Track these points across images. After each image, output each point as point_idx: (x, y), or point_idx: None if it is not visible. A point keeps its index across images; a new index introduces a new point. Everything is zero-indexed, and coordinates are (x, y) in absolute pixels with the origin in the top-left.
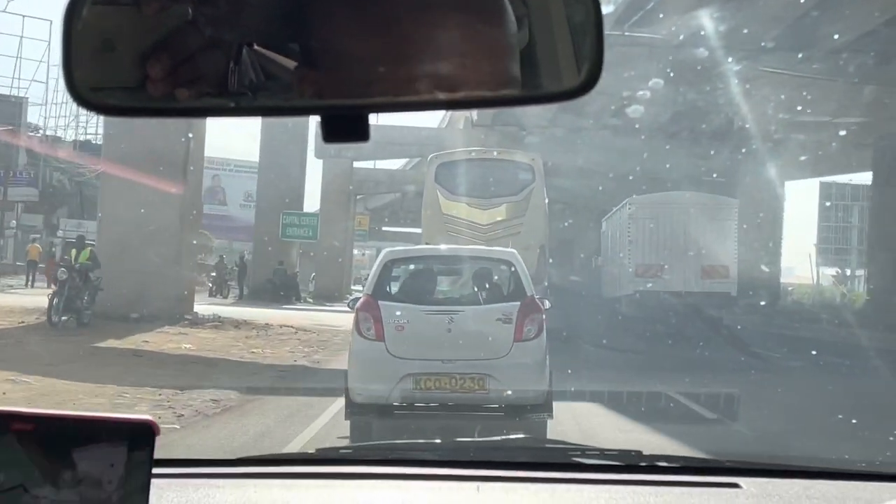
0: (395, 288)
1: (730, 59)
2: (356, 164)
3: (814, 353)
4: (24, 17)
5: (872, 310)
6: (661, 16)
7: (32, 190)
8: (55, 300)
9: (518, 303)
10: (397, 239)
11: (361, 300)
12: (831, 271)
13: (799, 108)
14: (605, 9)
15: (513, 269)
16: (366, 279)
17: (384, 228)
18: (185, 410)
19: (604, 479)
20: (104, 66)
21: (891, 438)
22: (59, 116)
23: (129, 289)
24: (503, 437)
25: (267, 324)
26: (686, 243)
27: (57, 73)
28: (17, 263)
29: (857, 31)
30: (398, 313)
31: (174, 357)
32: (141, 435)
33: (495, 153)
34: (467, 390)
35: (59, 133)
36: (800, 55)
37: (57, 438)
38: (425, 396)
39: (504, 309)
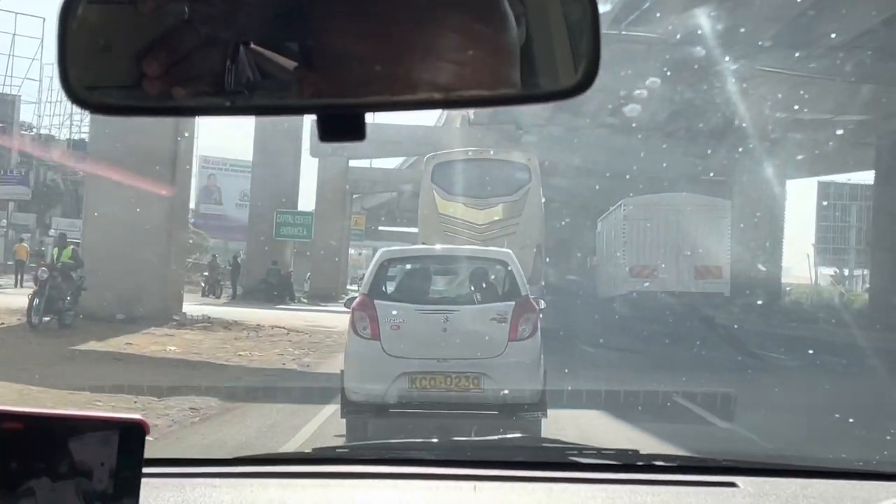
0: (391, 287)
1: (727, 58)
2: (352, 163)
3: (811, 352)
4: (16, 14)
5: (873, 310)
6: (657, 15)
7: (24, 188)
8: (35, 301)
9: (513, 302)
10: (394, 238)
11: (358, 299)
12: (829, 271)
13: (797, 107)
14: (602, 8)
15: (508, 268)
16: (361, 279)
17: (380, 228)
18: (161, 420)
19: (601, 478)
20: (100, 65)
21: (887, 437)
22: (53, 115)
23: (115, 289)
24: (500, 436)
25: (258, 325)
26: (680, 244)
27: (51, 71)
28: (8, 263)
29: (855, 29)
30: (394, 312)
31: (157, 360)
32: (131, 434)
33: (492, 153)
34: (462, 389)
35: (54, 132)
36: (797, 54)
37: (47, 437)
38: (421, 395)
39: (499, 308)
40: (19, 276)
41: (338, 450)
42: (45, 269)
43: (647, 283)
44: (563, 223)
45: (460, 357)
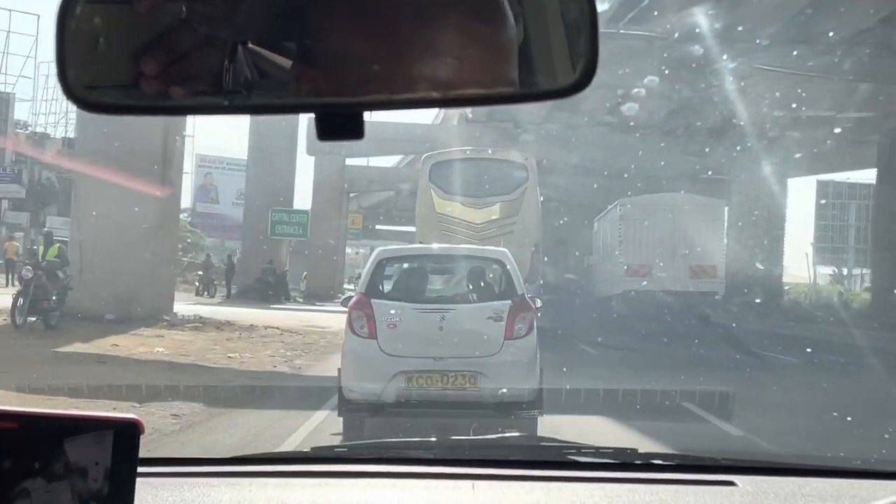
0: (387, 286)
1: (725, 57)
2: (349, 161)
3: (809, 350)
4: (10, 11)
5: (874, 309)
6: (655, 13)
7: (17, 187)
8: (19, 300)
9: (509, 301)
10: (391, 237)
11: (354, 298)
12: (828, 270)
13: (797, 105)
14: (600, 6)
15: (504, 267)
16: (358, 278)
17: (378, 227)
18: None
19: (599, 477)
20: (98, 64)
21: (885, 436)
22: (48, 113)
23: (104, 288)
24: (498, 435)
25: (251, 325)
26: (675, 244)
27: (47, 69)
28: None
29: (854, 27)
30: (391, 311)
31: (142, 363)
32: (126, 433)
33: (489, 152)
34: (459, 387)
35: (49, 130)
36: (794, 52)
37: (42, 437)
38: (418, 393)
39: (495, 307)
40: (10, 275)
41: (336, 449)
42: (30, 269)
43: (642, 283)
44: (561, 222)
45: (457, 356)
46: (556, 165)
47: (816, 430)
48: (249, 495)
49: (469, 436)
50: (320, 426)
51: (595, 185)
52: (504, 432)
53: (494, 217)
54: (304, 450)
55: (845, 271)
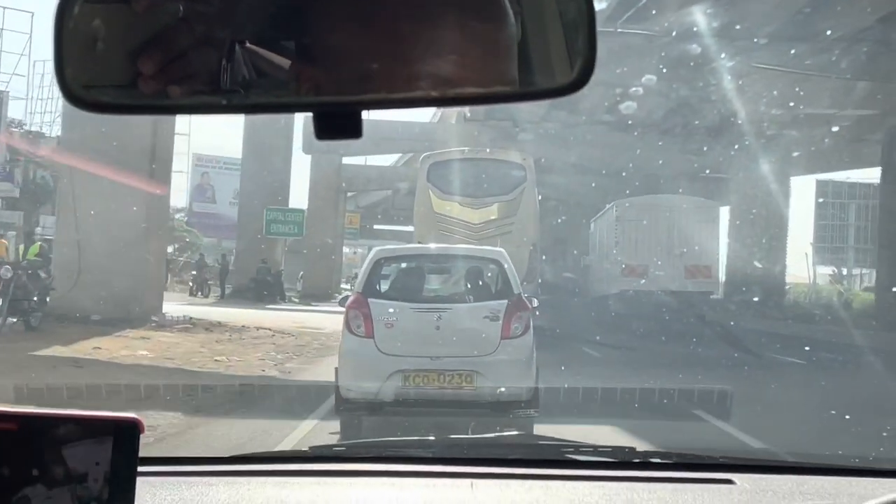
0: (384, 286)
1: (723, 55)
2: (346, 160)
3: (807, 349)
4: (4, 8)
5: (878, 309)
6: (653, 12)
7: (9, 185)
8: None
9: (505, 301)
10: (390, 237)
11: (352, 298)
12: (827, 270)
13: (796, 104)
14: (598, 5)
15: (501, 267)
16: (355, 278)
17: (376, 227)
18: None
19: (597, 475)
20: (96, 64)
21: (884, 434)
22: (44, 112)
23: (90, 288)
24: (497, 433)
25: (243, 326)
26: (670, 244)
27: (42, 67)
28: None
29: (852, 26)
30: (388, 311)
31: (123, 367)
32: (126, 433)
33: (487, 152)
34: (456, 387)
35: (45, 129)
36: (793, 51)
37: (42, 437)
38: (415, 393)
39: (491, 307)
40: None
41: (334, 448)
42: (9, 268)
43: (639, 283)
44: (559, 221)
45: (453, 355)
46: (555, 164)
47: (815, 428)
48: (248, 494)
49: (467, 435)
50: (308, 436)
51: (593, 184)
52: (502, 431)
53: (493, 217)
54: (303, 449)
55: (845, 271)
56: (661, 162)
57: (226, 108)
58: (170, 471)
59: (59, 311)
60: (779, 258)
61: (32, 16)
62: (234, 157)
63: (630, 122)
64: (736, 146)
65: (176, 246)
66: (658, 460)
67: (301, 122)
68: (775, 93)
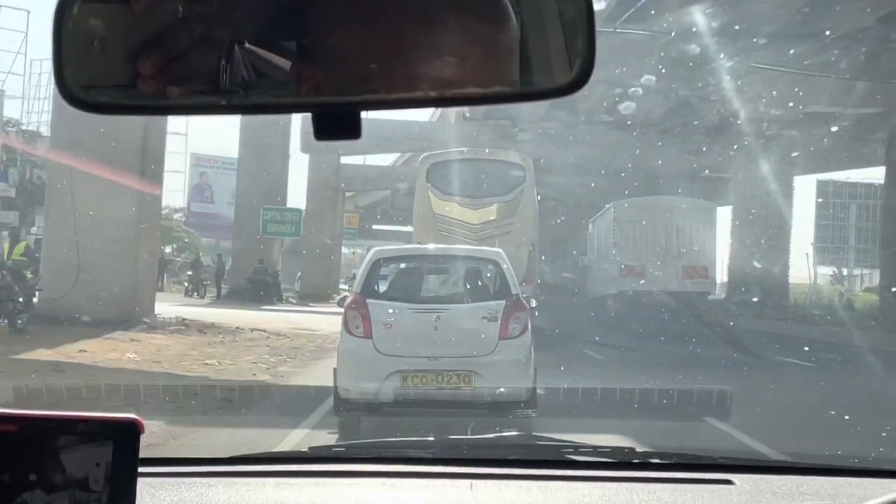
0: (383, 286)
1: (722, 55)
2: (345, 160)
3: (807, 349)
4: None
5: (881, 310)
6: (652, 12)
7: (5, 185)
8: None
9: (504, 301)
10: (389, 237)
11: (350, 298)
12: (828, 270)
13: (795, 103)
14: (597, 5)
15: (499, 268)
16: (354, 278)
17: (375, 227)
18: None
19: (597, 476)
20: (95, 64)
21: (883, 434)
22: (41, 112)
23: (79, 289)
24: (496, 434)
25: (237, 327)
26: (667, 245)
27: (39, 66)
28: None
29: (852, 26)
30: (386, 311)
31: (107, 371)
32: (126, 434)
33: (487, 152)
34: (454, 387)
35: (42, 129)
36: (792, 51)
37: (42, 439)
38: (413, 393)
39: (490, 307)
40: None
41: (334, 448)
42: None
43: (637, 283)
44: (558, 221)
45: (452, 355)
46: (554, 164)
47: (815, 428)
48: (247, 495)
49: (467, 435)
50: (300, 445)
51: (593, 184)
52: (502, 431)
53: (492, 217)
54: (302, 449)
55: (845, 271)
56: (660, 162)
57: (225, 108)
58: (169, 471)
59: (47, 313)
60: (780, 258)
61: (28, 14)
62: (233, 156)
63: (629, 122)
64: (735, 146)
65: (174, 246)
66: (657, 461)
67: (299, 121)
68: (775, 93)
